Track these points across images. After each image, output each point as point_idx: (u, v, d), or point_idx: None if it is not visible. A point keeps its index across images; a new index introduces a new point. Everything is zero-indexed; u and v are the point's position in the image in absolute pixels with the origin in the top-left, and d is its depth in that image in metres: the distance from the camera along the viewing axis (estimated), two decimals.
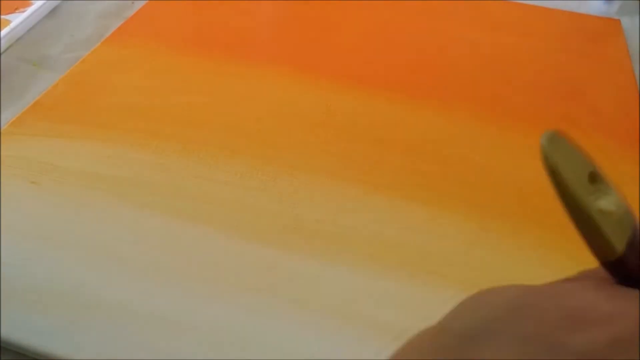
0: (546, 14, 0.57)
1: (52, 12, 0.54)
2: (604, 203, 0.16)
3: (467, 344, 0.15)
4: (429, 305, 0.30)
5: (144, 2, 0.55)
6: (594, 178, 0.16)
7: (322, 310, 0.30)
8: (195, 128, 0.41)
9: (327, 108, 0.43)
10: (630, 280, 0.17)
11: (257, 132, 0.41)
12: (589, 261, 0.35)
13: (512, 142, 0.41)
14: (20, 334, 0.28)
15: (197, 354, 0.28)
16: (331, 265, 0.32)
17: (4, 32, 0.49)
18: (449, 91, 0.46)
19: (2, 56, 0.48)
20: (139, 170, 0.37)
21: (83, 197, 0.35)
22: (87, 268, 0.31)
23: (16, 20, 0.50)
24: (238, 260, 0.32)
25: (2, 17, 0.51)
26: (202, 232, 0.33)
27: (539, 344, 0.15)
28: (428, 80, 0.47)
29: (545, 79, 0.48)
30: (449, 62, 0.49)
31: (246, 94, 0.44)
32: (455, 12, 0.56)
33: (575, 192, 0.15)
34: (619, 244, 0.16)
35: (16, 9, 0.52)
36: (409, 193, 0.37)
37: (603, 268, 0.17)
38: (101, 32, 0.51)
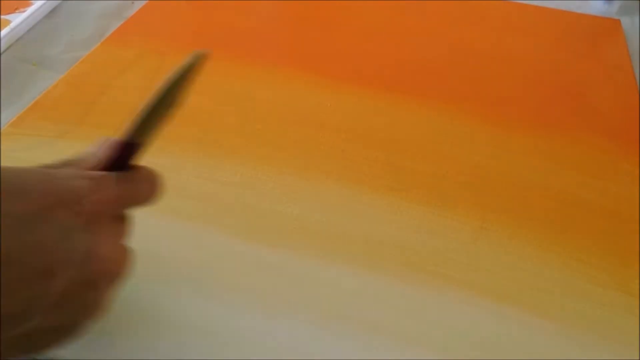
0: (546, 14, 0.57)
1: (52, 12, 0.54)
2: None
3: None
4: (429, 306, 0.30)
5: (144, 2, 0.55)
6: None
7: (322, 310, 0.30)
8: (195, 128, 0.41)
9: (327, 108, 0.43)
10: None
11: (257, 132, 0.41)
12: (590, 261, 0.35)
13: (512, 141, 0.41)
14: None
15: (196, 353, 0.28)
16: (331, 265, 0.32)
17: (4, 32, 0.49)
18: (449, 91, 0.46)
19: (2, 56, 0.48)
20: None
21: None
22: None
23: (16, 20, 0.50)
24: (238, 260, 0.32)
25: (2, 17, 0.51)
26: (202, 232, 0.33)
27: (30, 219, 0.18)
28: (428, 81, 0.47)
29: (545, 79, 0.48)
30: (449, 62, 0.49)
31: (246, 94, 0.44)
32: (456, 12, 0.56)
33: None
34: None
35: (16, 9, 0.52)
36: (409, 193, 0.37)
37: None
38: (101, 32, 0.51)
